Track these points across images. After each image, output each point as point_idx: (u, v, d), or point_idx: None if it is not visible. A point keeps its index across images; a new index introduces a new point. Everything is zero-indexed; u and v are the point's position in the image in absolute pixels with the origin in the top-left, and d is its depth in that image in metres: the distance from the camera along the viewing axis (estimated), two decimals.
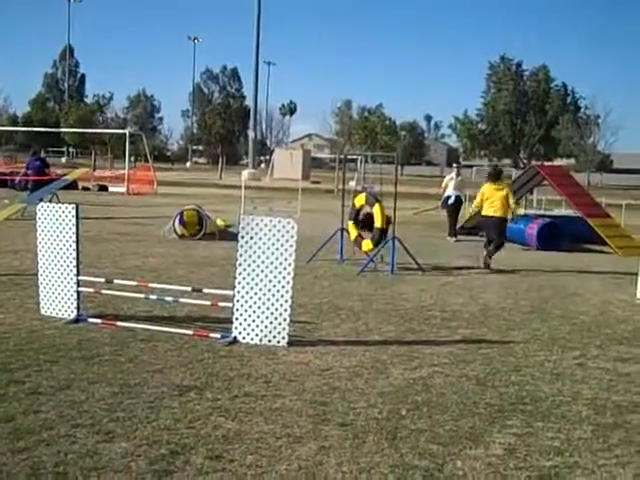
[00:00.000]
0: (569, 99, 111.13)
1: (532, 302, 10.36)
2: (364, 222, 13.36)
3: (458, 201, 18.63)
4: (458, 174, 18.91)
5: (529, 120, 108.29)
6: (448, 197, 18.75)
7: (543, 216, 19.23)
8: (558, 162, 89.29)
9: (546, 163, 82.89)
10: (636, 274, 11.22)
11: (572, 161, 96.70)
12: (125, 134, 39.67)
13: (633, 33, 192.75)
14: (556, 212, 21.58)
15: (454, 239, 18.45)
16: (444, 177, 20.58)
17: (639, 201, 25.61)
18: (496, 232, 13.71)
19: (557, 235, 17.51)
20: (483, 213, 14.04)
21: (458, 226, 19.46)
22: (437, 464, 4.52)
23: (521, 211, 19.94)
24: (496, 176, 14.09)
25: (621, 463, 4.67)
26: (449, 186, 18.82)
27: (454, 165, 20.18)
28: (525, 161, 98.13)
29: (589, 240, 17.83)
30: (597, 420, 5.47)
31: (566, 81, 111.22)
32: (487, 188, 13.83)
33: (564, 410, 5.67)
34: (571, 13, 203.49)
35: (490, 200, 13.68)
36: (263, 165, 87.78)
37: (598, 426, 5.33)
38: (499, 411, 5.57)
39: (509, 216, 13.67)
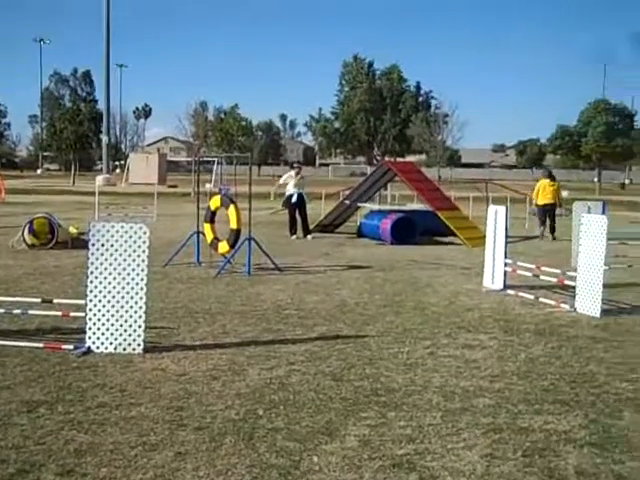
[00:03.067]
0: (421, 98, 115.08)
1: (386, 296, 10.65)
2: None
3: (300, 199, 18.84)
4: (298, 173, 19.21)
5: (384, 118, 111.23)
6: (290, 196, 18.98)
7: (396, 211, 19.70)
8: (409, 158, 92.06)
9: (398, 159, 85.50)
10: (482, 264, 11.74)
11: (423, 157, 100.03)
12: None
13: (470, 33, 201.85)
14: (408, 207, 22.15)
15: (295, 237, 18.65)
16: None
17: (484, 193, 26.69)
18: (550, 215, 19.68)
19: (410, 229, 18.01)
20: (539, 202, 19.77)
21: (314, 224, 19.76)
22: (293, 461, 4.59)
23: (375, 207, 20.39)
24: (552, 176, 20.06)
25: (468, 446, 4.89)
26: (289, 184, 19.08)
27: (294, 164, 20.78)
28: (379, 158, 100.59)
29: (440, 233, 18.46)
30: (446, 406, 5.70)
31: (417, 79, 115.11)
32: (542, 184, 19.72)
33: (416, 399, 5.87)
34: (420, 14, 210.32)
35: (545, 192, 19.50)
36: (118, 170, 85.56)
37: (447, 412, 5.56)
38: (354, 404, 5.71)
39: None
